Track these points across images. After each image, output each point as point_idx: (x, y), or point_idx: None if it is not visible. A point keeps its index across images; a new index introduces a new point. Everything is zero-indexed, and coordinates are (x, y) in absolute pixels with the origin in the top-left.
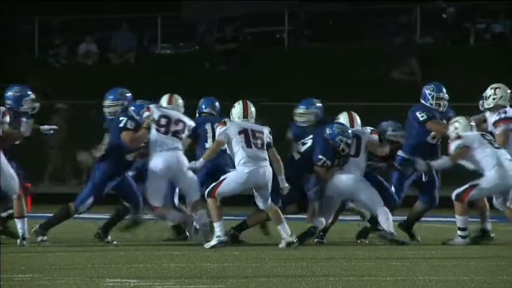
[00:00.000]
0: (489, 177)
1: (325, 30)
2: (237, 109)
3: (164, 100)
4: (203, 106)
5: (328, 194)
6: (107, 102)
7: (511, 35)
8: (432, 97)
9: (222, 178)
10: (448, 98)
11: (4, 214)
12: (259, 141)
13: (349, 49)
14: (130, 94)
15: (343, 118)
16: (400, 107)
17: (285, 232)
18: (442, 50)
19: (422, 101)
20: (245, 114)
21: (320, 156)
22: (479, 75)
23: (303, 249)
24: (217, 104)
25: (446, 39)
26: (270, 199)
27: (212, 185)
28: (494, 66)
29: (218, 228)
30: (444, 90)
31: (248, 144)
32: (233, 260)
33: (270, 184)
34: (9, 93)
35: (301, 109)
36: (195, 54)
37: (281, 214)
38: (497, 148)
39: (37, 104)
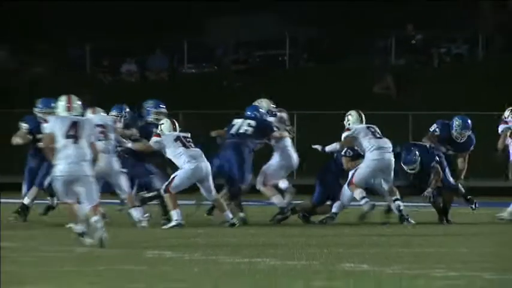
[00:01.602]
0: (367, 159)
1: (318, 53)
2: (165, 124)
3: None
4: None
5: None
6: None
7: (467, 57)
8: (456, 130)
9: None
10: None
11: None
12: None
13: (337, 68)
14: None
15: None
16: (378, 115)
17: (227, 216)
18: (412, 70)
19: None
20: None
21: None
22: (441, 90)
23: (301, 228)
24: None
25: (415, 61)
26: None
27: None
28: (453, 83)
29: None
30: (469, 126)
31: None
32: (247, 236)
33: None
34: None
35: None
36: (214, 73)
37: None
38: (379, 138)
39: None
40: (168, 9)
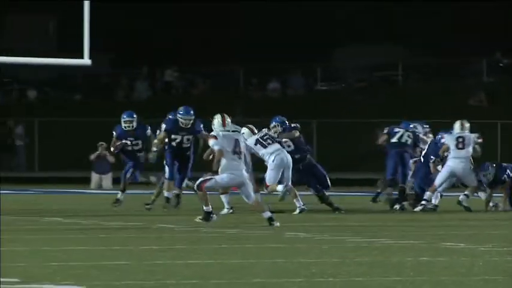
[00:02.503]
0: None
1: (426, 74)
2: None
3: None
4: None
5: None
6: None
7: None
8: None
9: None
10: None
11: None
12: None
13: (441, 86)
14: None
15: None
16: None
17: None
18: (500, 88)
19: None
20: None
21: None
22: None
23: (410, 214)
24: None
25: (503, 81)
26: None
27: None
28: None
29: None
30: None
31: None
32: (366, 221)
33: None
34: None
35: None
36: (341, 90)
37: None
38: (461, 149)
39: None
40: (306, 39)
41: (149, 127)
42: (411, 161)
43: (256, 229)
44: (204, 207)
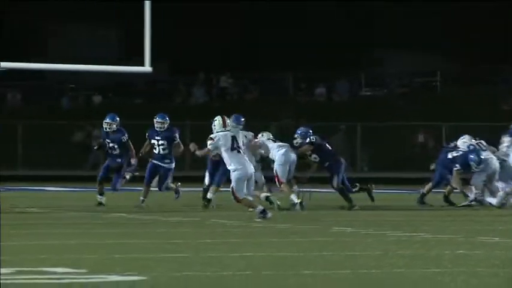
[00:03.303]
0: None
1: (461, 80)
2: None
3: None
4: None
5: None
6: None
7: None
8: None
9: None
10: None
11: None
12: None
13: (478, 92)
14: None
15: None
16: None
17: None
18: None
19: None
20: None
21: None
22: None
23: (447, 210)
24: None
25: None
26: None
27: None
28: None
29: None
30: None
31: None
32: (404, 216)
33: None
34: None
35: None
36: (384, 95)
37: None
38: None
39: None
40: (351, 48)
41: (177, 131)
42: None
43: (306, 224)
44: (256, 210)
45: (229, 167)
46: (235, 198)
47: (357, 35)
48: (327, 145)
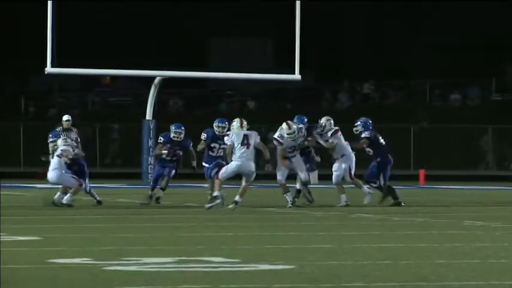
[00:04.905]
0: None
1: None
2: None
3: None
4: None
5: None
6: None
7: None
8: None
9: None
10: None
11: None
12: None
13: None
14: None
15: None
16: None
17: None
18: None
19: None
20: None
21: None
22: None
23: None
24: None
25: None
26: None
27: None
28: None
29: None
30: None
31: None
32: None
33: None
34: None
35: None
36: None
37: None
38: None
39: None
40: (482, 57)
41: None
42: None
43: (440, 218)
44: (215, 193)
45: (233, 158)
46: (217, 173)
47: (487, 46)
48: (381, 140)
